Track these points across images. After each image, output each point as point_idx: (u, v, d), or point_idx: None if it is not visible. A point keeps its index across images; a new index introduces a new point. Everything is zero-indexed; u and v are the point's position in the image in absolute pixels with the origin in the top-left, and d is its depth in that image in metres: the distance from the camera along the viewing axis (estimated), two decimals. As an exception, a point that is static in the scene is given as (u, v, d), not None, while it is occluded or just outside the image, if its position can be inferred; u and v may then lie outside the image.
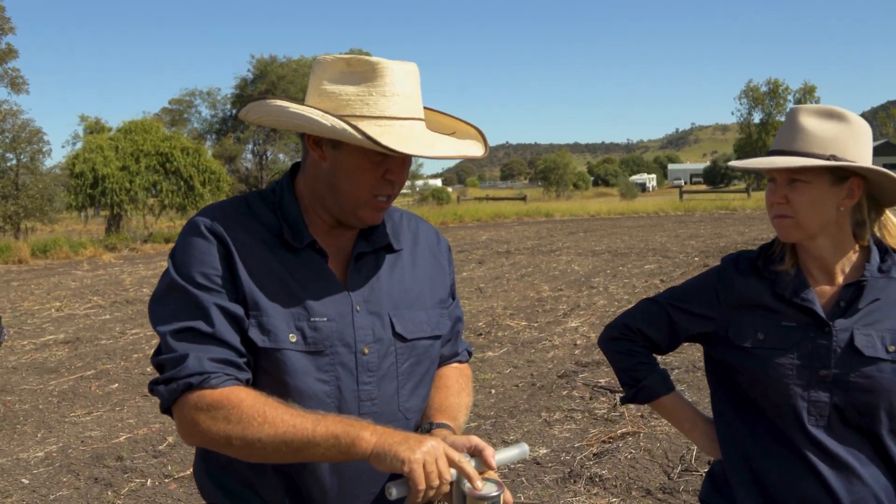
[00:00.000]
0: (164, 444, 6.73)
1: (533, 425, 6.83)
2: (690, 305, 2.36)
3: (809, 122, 2.13)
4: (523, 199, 52.29)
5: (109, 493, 5.76)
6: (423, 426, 2.03)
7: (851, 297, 2.18)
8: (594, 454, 6.14)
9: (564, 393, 7.88)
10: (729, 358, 2.28)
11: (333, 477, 1.94)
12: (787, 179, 2.14)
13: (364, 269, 2.04)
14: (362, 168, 1.90)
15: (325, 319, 1.92)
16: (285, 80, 39.38)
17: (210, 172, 30.24)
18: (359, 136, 1.78)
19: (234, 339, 1.84)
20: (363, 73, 1.89)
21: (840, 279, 2.22)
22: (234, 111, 42.00)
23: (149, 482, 5.95)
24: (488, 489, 1.72)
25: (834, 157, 2.09)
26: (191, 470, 6.11)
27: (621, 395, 7.54)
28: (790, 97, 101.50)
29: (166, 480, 5.97)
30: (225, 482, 2.01)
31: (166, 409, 1.84)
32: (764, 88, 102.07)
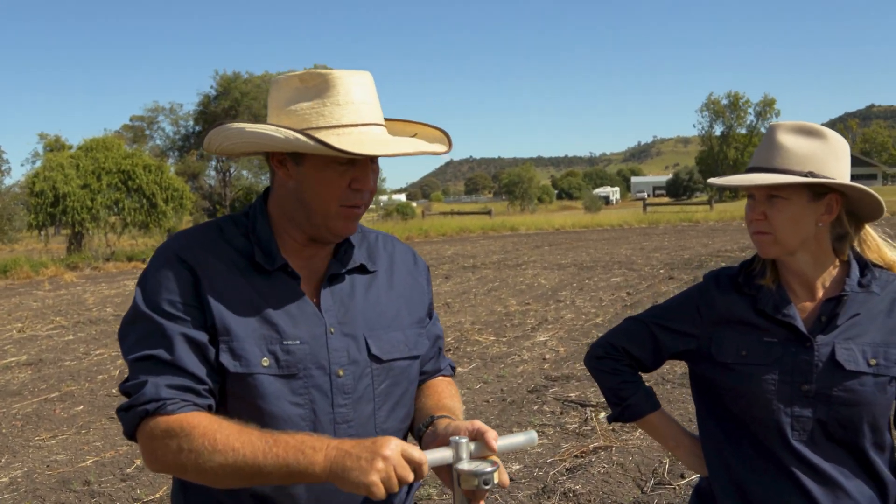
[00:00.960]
0: (132, 468, 6.63)
1: (505, 441, 6.78)
2: (673, 323, 2.37)
3: (787, 139, 2.15)
4: (488, 213, 52.48)
5: (77, 518, 5.65)
6: (424, 420, 2.01)
7: (832, 311, 2.20)
8: (567, 469, 6.13)
9: (535, 408, 7.87)
10: (712, 374, 2.28)
11: (311, 495, 1.91)
12: (765, 196, 2.16)
13: (338, 290, 2.02)
14: (327, 180, 1.89)
15: (298, 342, 1.90)
16: (249, 96, 39.24)
17: (173, 190, 30.03)
18: (311, 143, 1.78)
19: (196, 366, 1.83)
20: (316, 87, 1.90)
21: (820, 294, 2.23)
22: (197, 128, 41.75)
23: (117, 506, 5.85)
24: (481, 466, 1.68)
25: (812, 174, 2.10)
26: (160, 493, 6.03)
27: (593, 409, 7.61)
28: (750, 110, 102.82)
29: (135, 504, 5.88)
30: None
31: (129, 435, 1.84)
32: (725, 101, 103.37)
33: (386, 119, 2.03)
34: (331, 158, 1.87)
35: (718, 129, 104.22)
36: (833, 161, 2.14)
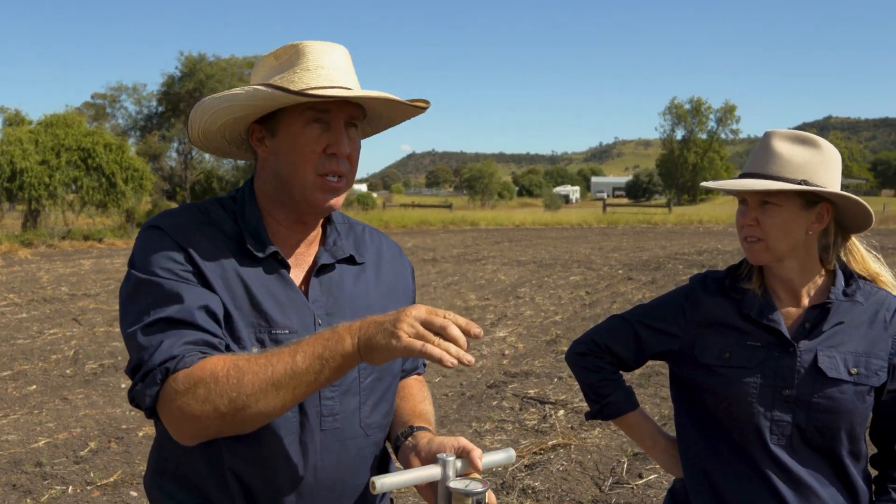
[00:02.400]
0: (86, 450, 6.54)
1: (463, 436, 6.79)
2: (658, 323, 2.37)
3: (782, 146, 2.17)
4: (449, 206, 52.52)
5: (28, 500, 5.56)
6: (404, 430, 1.99)
7: (816, 319, 2.22)
8: (526, 466, 6.14)
9: (494, 403, 7.88)
10: (694, 376, 2.29)
11: (306, 480, 1.88)
12: (758, 202, 2.17)
13: (326, 281, 1.98)
14: (301, 146, 1.85)
15: (287, 332, 1.85)
16: (214, 78, 38.79)
17: (133, 170, 29.67)
18: (267, 89, 1.75)
19: (209, 322, 1.76)
20: (289, 59, 1.89)
21: (805, 301, 2.25)
22: (160, 108, 41.23)
23: (70, 489, 5.76)
24: (473, 486, 1.67)
25: (805, 182, 2.13)
26: (114, 477, 5.95)
27: (552, 406, 7.64)
28: (712, 115, 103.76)
29: (88, 488, 5.79)
30: (178, 495, 1.93)
31: (150, 408, 1.72)
32: (687, 106, 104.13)
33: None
34: (302, 123, 1.84)
35: (680, 133, 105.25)
36: (826, 171, 2.16)
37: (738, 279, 2.32)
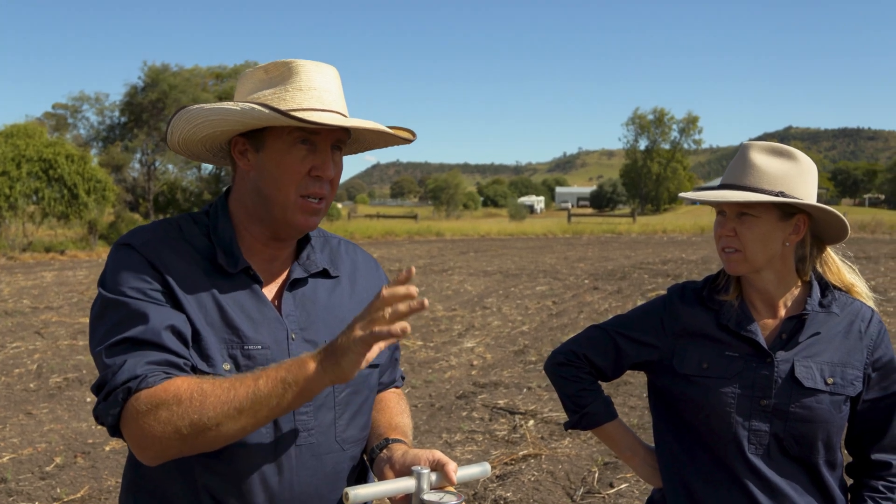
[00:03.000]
0: (52, 465, 6.45)
1: (434, 447, 6.79)
2: (636, 333, 2.39)
3: (760, 158, 2.21)
4: (414, 217, 52.54)
5: (-7, 516, 5.48)
6: (379, 442, 1.98)
7: (793, 329, 2.25)
8: (497, 476, 6.14)
9: (464, 414, 7.88)
10: (672, 386, 2.31)
11: (282, 496, 1.87)
12: (736, 213, 2.20)
13: (300, 295, 1.97)
14: (286, 166, 1.84)
15: (260, 347, 1.85)
16: (177, 89, 38.49)
17: (96, 181, 29.32)
18: (266, 111, 1.73)
19: (175, 342, 1.75)
20: (280, 75, 1.87)
21: (782, 312, 2.28)
22: (122, 119, 40.81)
23: (36, 505, 5.68)
24: (448, 499, 1.68)
25: (783, 194, 2.16)
26: (81, 493, 5.88)
27: (521, 416, 7.65)
28: (674, 126, 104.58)
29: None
30: None
31: (114, 426, 1.72)
32: (650, 117, 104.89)
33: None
34: (289, 143, 1.83)
35: (643, 144, 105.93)
36: (802, 183, 2.19)
37: (716, 290, 2.34)
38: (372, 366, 2.05)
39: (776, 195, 2.15)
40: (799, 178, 2.19)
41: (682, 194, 2.32)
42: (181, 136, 1.94)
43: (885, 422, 2.29)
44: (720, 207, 2.24)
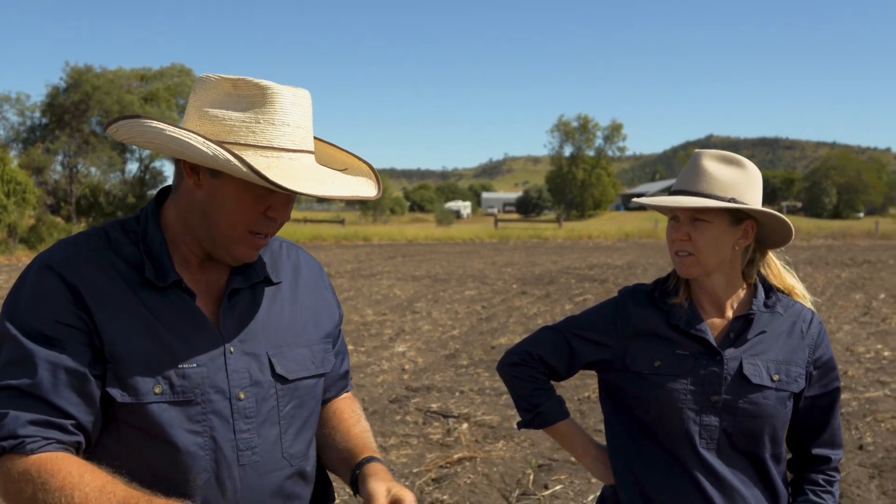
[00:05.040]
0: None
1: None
2: (589, 333, 2.45)
3: (712, 166, 2.30)
4: (341, 222, 52.38)
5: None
6: (359, 461, 1.94)
7: (740, 329, 2.34)
8: (433, 479, 6.17)
9: (398, 418, 7.89)
10: (625, 384, 2.38)
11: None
12: (689, 218, 2.29)
13: (238, 306, 1.87)
14: (242, 202, 1.75)
15: (195, 366, 1.76)
16: (101, 90, 37.73)
17: (16, 183, 28.69)
18: (244, 168, 1.62)
19: (64, 399, 1.65)
20: (251, 98, 1.73)
21: (729, 313, 2.38)
22: (44, 120, 39.84)
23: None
24: None
25: (734, 200, 2.25)
26: None
27: (455, 420, 7.68)
28: (599, 133, 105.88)
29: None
30: None
31: None
32: (575, 123, 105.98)
33: (315, 139, 1.92)
34: (250, 181, 1.72)
35: (568, 150, 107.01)
36: (751, 189, 2.30)
37: (666, 292, 2.42)
38: (319, 375, 1.99)
39: (728, 201, 2.24)
40: (748, 186, 2.29)
41: (638, 200, 2.38)
42: (130, 141, 1.82)
43: (824, 418, 2.40)
44: (674, 213, 2.32)
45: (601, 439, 2.56)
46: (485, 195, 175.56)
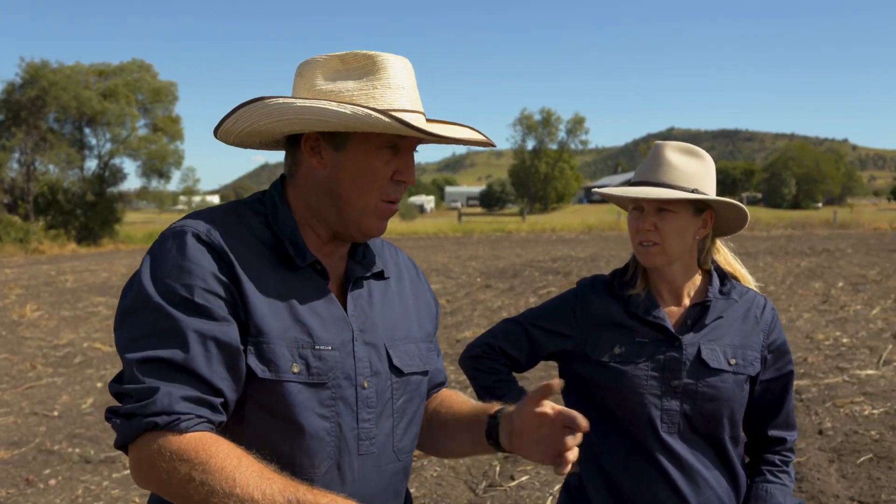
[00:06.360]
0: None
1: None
2: (550, 324, 2.49)
3: (675, 157, 2.36)
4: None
5: None
6: (490, 413, 1.90)
7: (697, 315, 2.40)
8: (399, 472, 6.15)
9: (364, 412, 7.85)
10: (587, 373, 2.41)
11: None
12: (655, 209, 2.34)
13: (357, 295, 1.85)
14: (370, 169, 1.73)
15: (330, 348, 1.72)
16: (58, 86, 37.20)
17: (-29, 182, 28.29)
18: (386, 119, 1.61)
19: (215, 374, 1.59)
20: (362, 68, 1.74)
21: (687, 301, 2.44)
22: (-1, 117, 39.17)
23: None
24: None
25: (697, 191, 2.32)
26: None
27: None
28: (561, 126, 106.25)
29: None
30: None
31: (122, 445, 1.58)
32: (537, 117, 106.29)
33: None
34: (376, 146, 1.72)
35: (531, 144, 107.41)
36: (710, 180, 2.37)
37: (624, 282, 2.47)
38: (425, 372, 1.96)
39: (692, 192, 2.30)
40: (707, 176, 2.36)
41: (602, 191, 2.41)
42: (252, 128, 1.77)
43: (779, 400, 2.47)
44: (639, 204, 2.36)
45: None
46: (448, 189, 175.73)
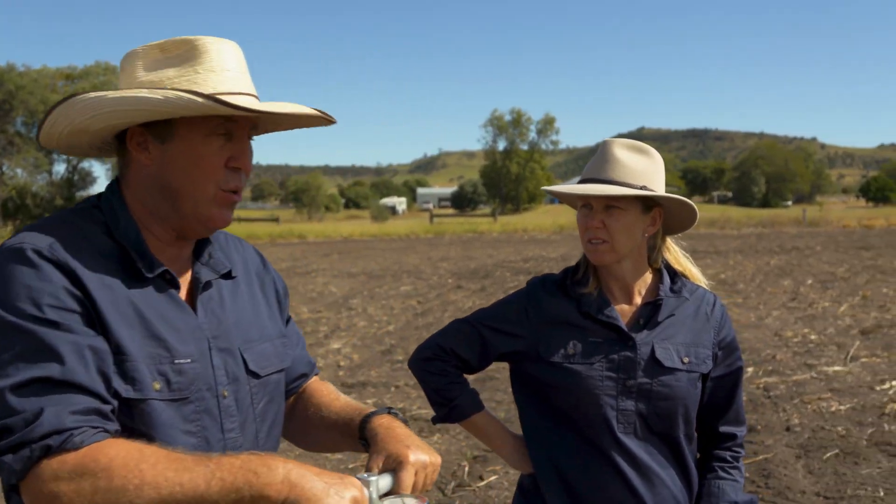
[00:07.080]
0: None
1: (303, 448, 6.72)
2: (502, 325, 2.46)
3: (623, 154, 2.34)
4: (276, 220, 52.03)
5: None
6: (364, 415, 1.85)
7: (650, 314, 2.40)
8: (368, 475, 6.13)
9: (333, 415, 7.83)
10: (540, 374, 2.39)
11: None
12: (603, 206, 2.32)
13: (207, 300, 1.76)
14: (200, 158, 1.64)
15: (190, 360, 1.64)
16: (25, 90, 36.88)
17: (-65, 187, 27.99)
18: (200, 100, 1.54)
19: (97, 382, 1.49)
20: (183, 54, 1.65)
21: (638, 299, 2.43)
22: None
23: None
24: (409, 502, 1.59)
25: (645, 188, 2.30)
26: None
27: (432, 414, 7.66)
28: (532, 127, 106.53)
29: None
30: None
31: (16, 482, 1.43)
32: (508, 118, 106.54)
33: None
34: (205, 133, 1.63)
35: (502, 145, 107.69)
36: (659, 177, 2.36)
37: (576, 281, 2.45)
38: (282, 370, 1.91)
39: (640, 189, 2.29)
40: (655, 174, 2.35)
41: (548, 188, 2.41)
42: (71, 128, 1.67)
43: (729, 396, 2.47)
44: (587, 201, 2.34)
45: (516, 429, 2.56)
46: (420, 191, 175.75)
